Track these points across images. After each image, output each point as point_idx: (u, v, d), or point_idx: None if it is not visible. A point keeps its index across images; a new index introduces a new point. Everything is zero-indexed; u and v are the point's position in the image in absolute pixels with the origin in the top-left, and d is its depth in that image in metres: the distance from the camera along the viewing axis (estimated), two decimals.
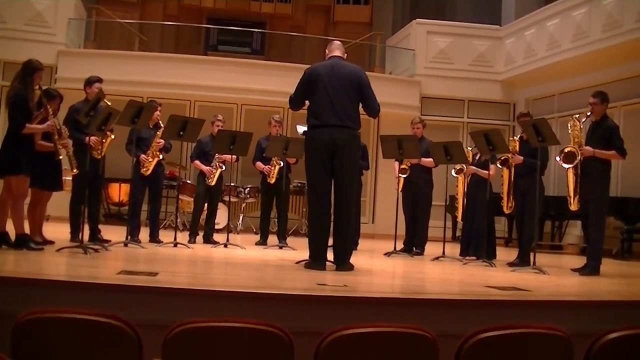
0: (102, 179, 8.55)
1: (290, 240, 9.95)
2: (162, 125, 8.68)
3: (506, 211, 8.50)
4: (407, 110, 14.81)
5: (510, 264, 8.01)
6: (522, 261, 7.93)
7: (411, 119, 10.19)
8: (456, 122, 16.00)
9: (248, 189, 13.40)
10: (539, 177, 7.47)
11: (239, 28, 17.70)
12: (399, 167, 9.42)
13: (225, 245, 8.83)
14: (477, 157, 9.14)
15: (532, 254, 7.61)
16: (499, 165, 8.40)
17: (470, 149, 9.27)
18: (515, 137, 8.35)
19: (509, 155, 8.22)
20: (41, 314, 2.46)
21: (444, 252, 8.71)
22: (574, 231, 13.27)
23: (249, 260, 7.26)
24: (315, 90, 6.41)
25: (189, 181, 13.14)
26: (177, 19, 18.43)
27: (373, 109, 6.60)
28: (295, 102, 6.69)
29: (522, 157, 8.05)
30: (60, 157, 7.03)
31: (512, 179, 8.31)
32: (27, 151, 6.39)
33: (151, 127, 8.75)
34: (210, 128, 9.67)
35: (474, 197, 9.08)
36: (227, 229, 9.73)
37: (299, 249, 8.44)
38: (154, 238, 8.85)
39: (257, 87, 14.62)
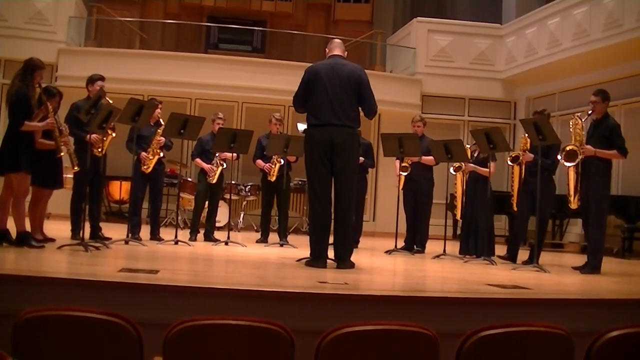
0: (103, 176, 8.55)
1: (291, 238, 9.95)
2: (162, 123, 8.68)
3: (516, 209, 8.48)
4: (407, 109, 14.81)
5: (524, 263, 7.93)
6: (531, 260, 7.80)
7: (412, 117, 10.18)
8: (457, 120, 15.99)
9: (249, 186, 13.41)
10: (539, 175, 7.44)
11: (239, 26, 17.69)
12: (400, 165, 9.42)
13: (226, 243, 8.83)
14: (475, 154, 9.13)
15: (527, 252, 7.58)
16: (509, 162, 8.37)
17: (468, 146, 9.26)
18: (526, 135, 8.30)
19: (520, 152, 8.20)
20: (42, 312, 2.46)
21: (444, 250, 8.71)
22: (575, 229, 13.27)
23: (250, 258, 7.26)
24: (315, 89, 6.41)
25: (189, 179, 13.14)
26: (177, 17, 18.41)
27: (371, 110, 6.59)
28: (298, 102, 6.67)
29: (532, 155, 8.00)
30: (62, 155, 7.03)
31: (523, 176, 8.29)
32: (27, 149, 6.39)
33: (152, 125, 8.76)
34: (211, 126, 9.67)
35: (472, 194, 9.06)
36: (228, 227, 9.73)
37: (300, 247, 8.44)
38: (154, 236, 8.86)
39: (258, 85, 14.61)
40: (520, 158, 8.22)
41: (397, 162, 9.52)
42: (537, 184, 7.53)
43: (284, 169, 9.54)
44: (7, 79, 11.52)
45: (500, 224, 13.99)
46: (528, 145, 8.16)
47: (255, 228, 12.92)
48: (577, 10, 13.16)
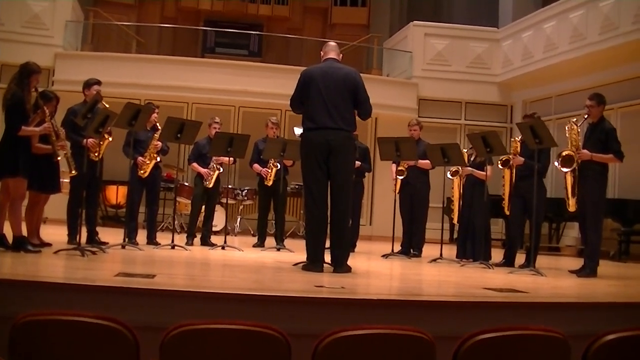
0: (100, 181, 8.54)
1: (287, 242, 9.95)
2: (159, 127, 8.68)
3: (507, 213, 8.48)
4: (404, 112, 14.83)
5: (521, 266, 7.91)
6: (528, 264, 7.80)
7: (408, 120, 10.19)
8: (453, 124, 16.02)
9: (245, 191, 13.40)
10: (536, 180, 7.46)
11: (236, 30, 17.71)
12: (396, 169, 9.43)
13: (223, 247, 8.81)
14: (472, 158, 9.14)
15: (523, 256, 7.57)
16: (499, 166, 8.39)
17: (465, 150, 9.27)
18: (517, 138, 8.32)
19: (510, 156, 8.21)
20: (38, 316, 2.46)
21: (441, 254, 8.71)
22: (572, 233, 13.28)
23: (247, 262, 7.25)
24: (310, 92, 6.41)
25: (186, 183, 13.14)
26: (174, 21, 18.44)
27: (366, 112, 6.61)
28: (296, 105, 6.68)
29: (523, 159, 8.03)
30: (59, 159, 7.03)
31: (513, 180, 8.30)
32: (24, 153, 6.39)
33: (148, 129, 8.75)
34: (207, 130, 9.67)
35: (469, 198, 9.07)
36: (225, 231, 9.71)
37: (297, 251, 8.44)
38: (151, 240, 8.84)
39: (255, 89, 14.62)
40: (511, 161, 8.23)
41: (394, 165, 9.53)
42: (527, 187, 7.59)
43: (280, 173, 9.54)
44: (3, 83, 11.46)
45: (497, 227, 14.01)
46: (518, 148, 8.18)
47: (252, 232, 12.92)
48: (573, 13, 13.19)
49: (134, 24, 17.71)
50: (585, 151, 7.35)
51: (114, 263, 6.38)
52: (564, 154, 7.40)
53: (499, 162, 8.39)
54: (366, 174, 10.59)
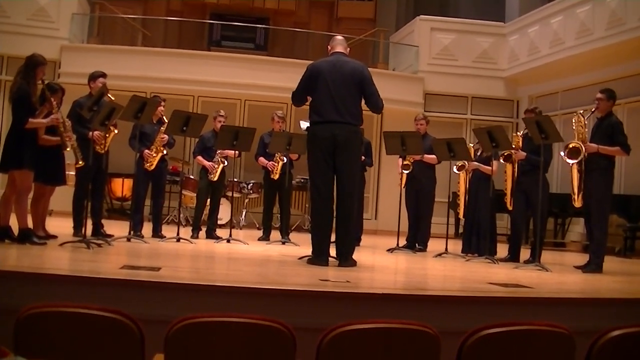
0: (105, 173, 8.56)
1: (292, 235, 9.95)
2: (165, 120, 8.68)
3: (510, 208, 8.46)
4: (410, 107, 14.79)
5: (526, 261, 7.89)
6: (533, 259, 7.79)
7: (414, 115, 10.18)
8: (459, 118, 15.97)
9: (251, 184, 13.42)
10: (542, 175, 7.44)
11: (242, 24, 17.68)
12: (402, 163, 9.41)
13: (228, 241, 8.82)
14: (478, 153, 9.12)
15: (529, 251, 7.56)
16: (502, 160, 8.38)
17: (472, 145, 9.26)
18: (518, 133, 8.31)
19: (512, 150, 8.19)
20: (44, 309, 2.46)
21: (446, 249, 8.71)
22: (577, 228, 13.26)
23: (252, 256, 7.26)
24: (317, 86, 6.41)
25: (191, 176, 13.15)
26: (180, 14, 18.40)
27: (376, 106, 6.59)
28: (297, 98, 6.69)
29: (524, 153, 8.02)
30: (68, 149, 7.04)
31: (515, 175, 8.28)
32: (30, 146, 6.40)
33: (154, 122, 8.76)
34: (212, 123, 9.66)
35: (475, 193, 9.06)
36: (230, 225, 9.72)
37: (302, 245, 8.44)
38: (156, 233, 8.85)
39: (260, 82, 14.60)
40: (513, 156, 8.21)
41: (400, 160, 9.51)
42: (529, 182, 7.58)
43: (286, 167, 9.54)
44: (9, 76, 11.51)
45: (503, 222, 13.98)
46: (520, 143, 8.16)
47: (257, 226, 12.92)
48: (580, 9, 13.14)
49: (140, 16, 17.68)
50: (591, 144, 7.31)
51: (119, 256, 6.39)
52: (570, 145, 7.35)
53: (501, 156, 8.38)
54: (368, 168, 10.55)
